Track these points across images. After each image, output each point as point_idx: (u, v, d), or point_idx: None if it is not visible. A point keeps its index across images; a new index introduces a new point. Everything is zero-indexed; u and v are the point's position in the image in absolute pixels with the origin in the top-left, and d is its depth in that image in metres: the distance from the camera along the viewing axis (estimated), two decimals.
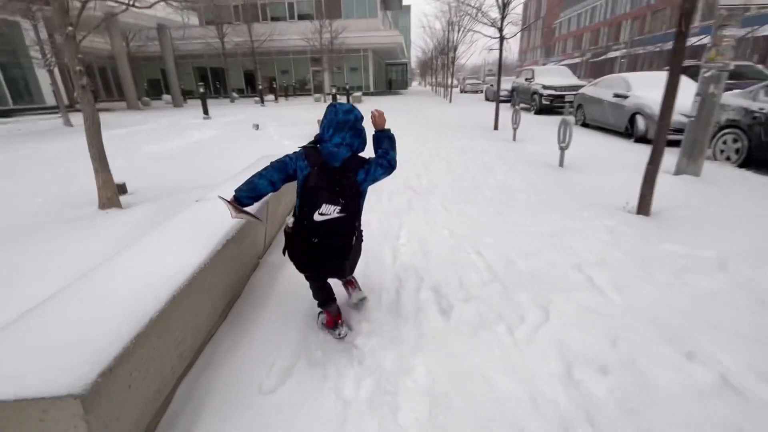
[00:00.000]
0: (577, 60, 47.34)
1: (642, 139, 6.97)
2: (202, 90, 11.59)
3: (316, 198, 1.57)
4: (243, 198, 1.68)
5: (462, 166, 5.52)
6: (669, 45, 10.29)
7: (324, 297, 1.88)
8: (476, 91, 31.56)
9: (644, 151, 3.55)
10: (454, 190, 4.44)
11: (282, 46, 26.51)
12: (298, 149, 1.69)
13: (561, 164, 5.15)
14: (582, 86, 12.12)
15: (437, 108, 15.82)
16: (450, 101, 19.39)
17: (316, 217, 1.58)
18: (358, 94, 21.50)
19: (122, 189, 4.24)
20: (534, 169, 5.09)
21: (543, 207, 3.62)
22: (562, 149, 5.08)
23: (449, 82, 25.73)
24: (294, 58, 28.65)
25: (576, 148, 5.62)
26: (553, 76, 12.98)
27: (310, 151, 1.64)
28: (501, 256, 2.61)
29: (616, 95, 8.00)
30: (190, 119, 11.89)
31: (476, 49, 22.07)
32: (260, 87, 18.33)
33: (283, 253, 1.77)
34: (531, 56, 72.13)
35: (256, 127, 9.43)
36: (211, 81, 29.83)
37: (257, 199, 1.72)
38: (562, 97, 11.89)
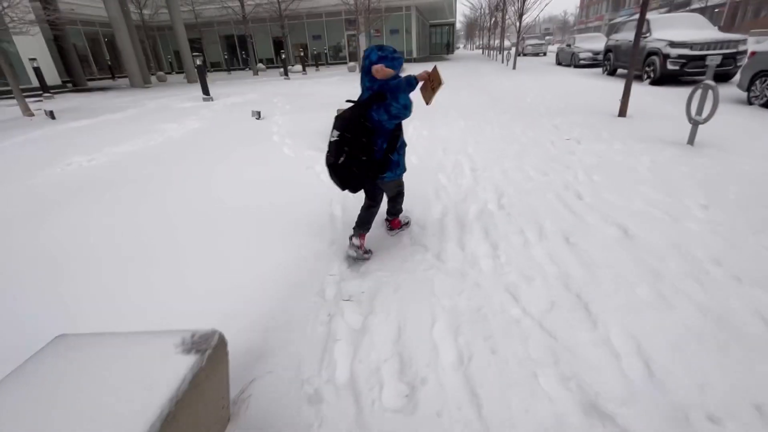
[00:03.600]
0: (652, 15, 39.53)
1: None
2: (198, 63, 8.97)
3: (333, 123, 1.93)
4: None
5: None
6: None
7: (358, 221, 2.27)
8: (537, 54, 26.68)
9: None
10: None
11: (313, 6, 23.24)
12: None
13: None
14: (736, 41, 8.15)
15: (502, 78, 12.20)
16: (514, 68, 15.49)
17: (330, 137, 1.95)
18: None
19: None
20: None
21: None
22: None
23: (506, 43, 21.46)
24: (327, 21, 25.30)
25: None
26: (683, 27, 8.96)
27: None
28: None
29: None
30: (186, 102, 9.40)
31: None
32: (284, 57, 15.44)
33: None
34: (594, 11, 62.73)
35: (257, 115, 6.71)
36: (239, 50, 27.39)
37: None
38: (702, 58, 8.02)
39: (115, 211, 2.97)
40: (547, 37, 27.29)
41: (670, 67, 8.42)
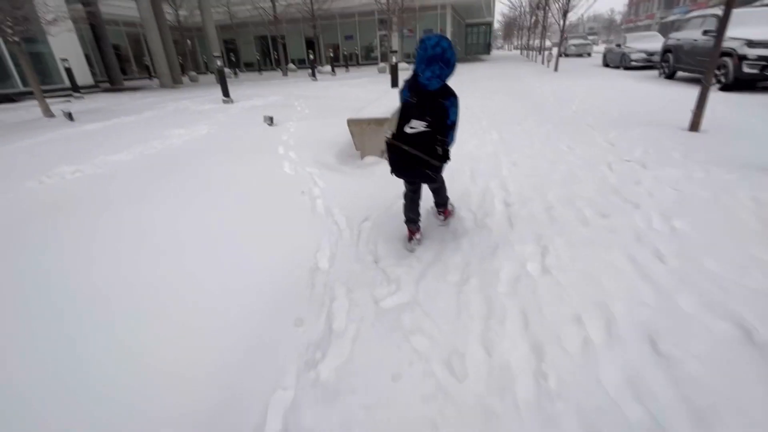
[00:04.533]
0: (712, 10, 36.23)
1: None
2: (219, 64, 8.62)
3: (408, 115, 1.96)
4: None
5: None
6: None
7: (408, 216, 2.32)
8: (581, 54, 24.95)
9: None
10: None
11: (345, 5, 22.83)
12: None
13: None
14: None
15: (542, 81, 11.15)
16: (556, 69, 14.30)
17: (407, 129, 1.97)
18: None
19: None
20: None
21: None
22: None
23: (546, 43, 20.07)
24: (360, 21, 24.86)
25: None
26: (763, 24, 7.64)
27: (410, 81, 1.97)
28: None
29: None
30: (205, 104, 9.08)
31: None
32: (312, 57, 15.05)
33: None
34: (645, 9, 58.79)
35: (269, 121, 6.19)
36: (272, 51, 27.47)
37: None
38: None
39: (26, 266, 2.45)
40: (591, 37, 25.55)
41: (747, 70, 7.15)
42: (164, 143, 5.22)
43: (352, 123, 3.99)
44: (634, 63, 13.57)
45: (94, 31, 16.36)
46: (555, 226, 2.45)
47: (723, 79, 7.65)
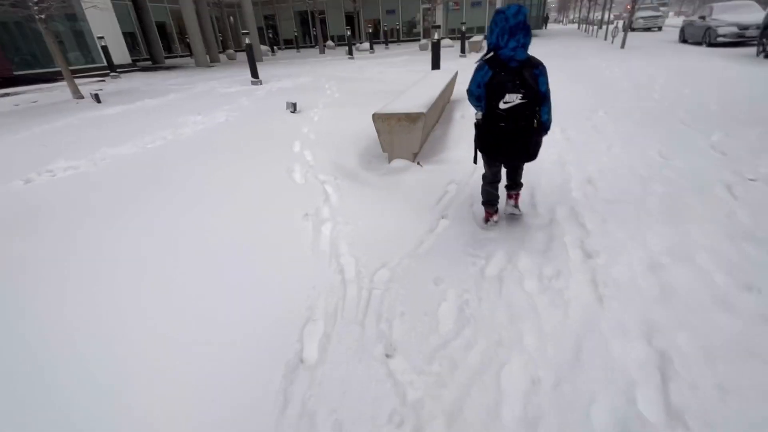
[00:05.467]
0: None
1: None
2: (248, 41, 8.01)
3: (500, 91, 1.83)
4: (476, 107, 2.03)
5: None
6: None
7: (488, 198, 2.30)
8: (650, 28, 22.00)
9: None
10: None
11: None
12: (479, 62, 1.90)
13: None
14: None
15: (610, 61, 9.62)
16: (622, 46, 12.47)
17: (501, 105, 1.84)
18: (478, 38, 15.75)
19: None
20: None
21: None
22: None
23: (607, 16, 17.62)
24: None
25: None
26: None
27: (489, 60, 1.87)
28: None
29: None
30: (233, 85, 8.57)
31: None
32: (348, 34, 14.14)
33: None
34: None
35: (293, 108, 5.53)
36: (312, 27, 26.66)
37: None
38: None
39: None
40: (662, 8, 22.50)
41: None
42: (175, 133, 4.72)
43: (379, 118, 3.22)
44: (721, 39, 11.48)
45: (137, 9, 16.36)
46: (670, 310, 1.58)
47: None
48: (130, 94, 8.00)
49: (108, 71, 10.66)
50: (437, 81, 4.62)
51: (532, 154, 2.02)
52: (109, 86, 9.55)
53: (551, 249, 2.04)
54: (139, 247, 2.21)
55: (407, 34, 24.30)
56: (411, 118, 3.13)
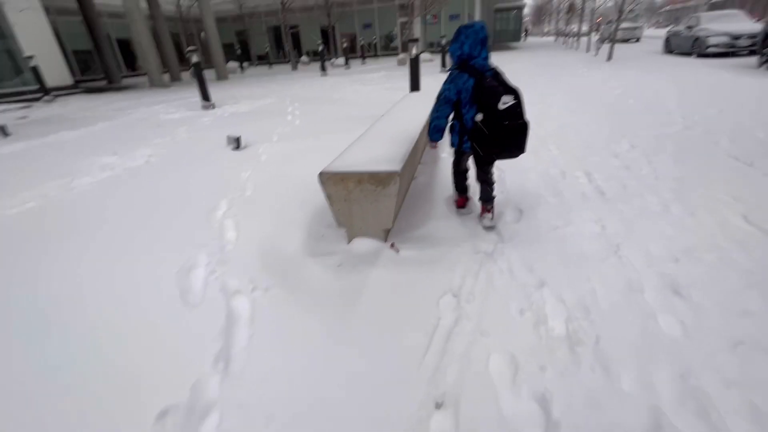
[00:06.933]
0: None
1: None
2: (195, 59, 6.83)
3: (496, 93, 1.90)
4: (436, 138, 2.25)
5: None
6: None
7: (462, 188, 2.56)
8: (628, 40, 21.86)
9: None
10: None
11: None
12: (449, 72, 2.07)
13: None
14: None
15: (602, 74, 8.84)
16: (609, 58, 11.84)
17: (500, 106, 1.90)
18: None
19: None
20: None
21: None
22: None
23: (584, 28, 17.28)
24: (379, 8, 22.68)
25: None
26: None
27: (466, 68, 2.01)
28: None
29: None
30: (180, 110, 7.34)
31: None
32: (321, 49, 13.15)
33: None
34: None
35: (235, 144, 4.37)
36: (286, 42, 25.67)
37: (443, 134, 2.24)
38: None
39: None
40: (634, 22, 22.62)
41: None
42: (65, 187, 3.47)
43: (329, 180, 2.09)
44: (712, 49, 10.94)
45: (90, 25, 14.99)
46: None
47: None
48: (50, 124, 6.66)
49: (42, 94, 9.27)
50: (417, 111, 3.55)
51: (524, 148, 2.05)
52: (36, 113, 8.17)
53: None
54: None
55: (385, 48, 23.57)
56: (379, 179, 2.01)
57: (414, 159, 2.81)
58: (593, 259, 1.96)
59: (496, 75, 1.97)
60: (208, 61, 23.40)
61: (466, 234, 2.29)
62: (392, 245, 2.18)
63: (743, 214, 2.26)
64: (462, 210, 2.55)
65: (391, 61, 17.43)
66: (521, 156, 2.06)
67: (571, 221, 2.32)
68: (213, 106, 7.29)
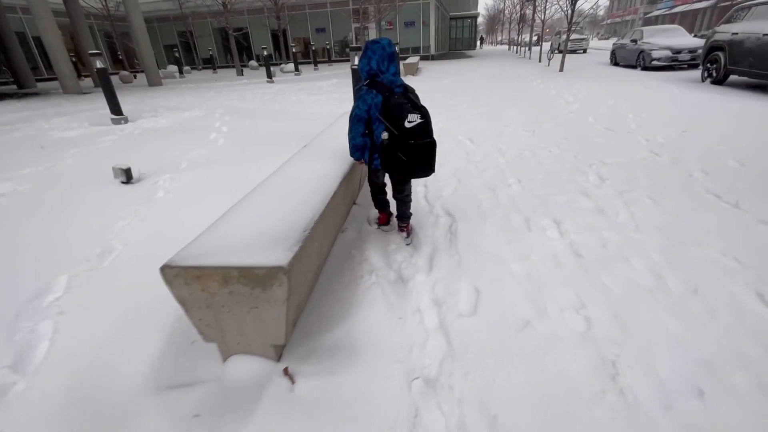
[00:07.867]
0: (702, 4, 33.96)
1: None
2: (99, 65, 5.71)
3: (402, 110, 1.85)
4: (357, 157, 2.13)
5: None
6: None
7: (383, 206, 2.42)
8: (575, 51, 22.65)
9: None
10: None
11: None
12: (362, 87, 1.95)
13: None
14: None
15: (557, 87, 8.62)
16: (561, 69, 11.83)
17: (407, 124, 1.85)
18: (414, 59, 14.52)
19: None
20: None
21: None
22: None
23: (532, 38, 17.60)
24: (332, 12, 21.91)
25: None
26: None
27: (375, 84, 1.92)
28: None
29: None
30: (81, 125, 6.13)
31: None
32: (266, 54, 12.17)
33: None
34: (629, 3, 57.44)
35: (125, 177, 3.42)
36: (235, 46, 24.18)
37: (365, 151, 2.09)
38: None
39: None
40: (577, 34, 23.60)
41: None
42: None
43: (178, 278, 1.30)
44: (655, 62, 11.22)
45: None
46: None
47: None
48: None
49: None
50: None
51: (433, 168, 2.03)
52: None
53: None
54: None
55: (339, 53, 22.80)
56: (255, 279, 1.26)
57: (334, 218, 2.08)
58: (583, 398, 1.31)
59: (406, 92, 1.91)
60: (138, 66, 21.46)
61: (400, 337, 1.59)
62: (285, 370, 1.42)
63: (757, 291, 1.73)
64: (385, 227, 2.49)
65: (345, 68, 16.69)
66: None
67: (544, 311, 1.68)
68: (125, 121, 6.17)
